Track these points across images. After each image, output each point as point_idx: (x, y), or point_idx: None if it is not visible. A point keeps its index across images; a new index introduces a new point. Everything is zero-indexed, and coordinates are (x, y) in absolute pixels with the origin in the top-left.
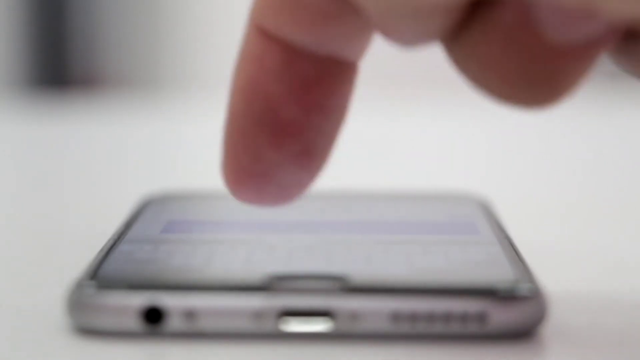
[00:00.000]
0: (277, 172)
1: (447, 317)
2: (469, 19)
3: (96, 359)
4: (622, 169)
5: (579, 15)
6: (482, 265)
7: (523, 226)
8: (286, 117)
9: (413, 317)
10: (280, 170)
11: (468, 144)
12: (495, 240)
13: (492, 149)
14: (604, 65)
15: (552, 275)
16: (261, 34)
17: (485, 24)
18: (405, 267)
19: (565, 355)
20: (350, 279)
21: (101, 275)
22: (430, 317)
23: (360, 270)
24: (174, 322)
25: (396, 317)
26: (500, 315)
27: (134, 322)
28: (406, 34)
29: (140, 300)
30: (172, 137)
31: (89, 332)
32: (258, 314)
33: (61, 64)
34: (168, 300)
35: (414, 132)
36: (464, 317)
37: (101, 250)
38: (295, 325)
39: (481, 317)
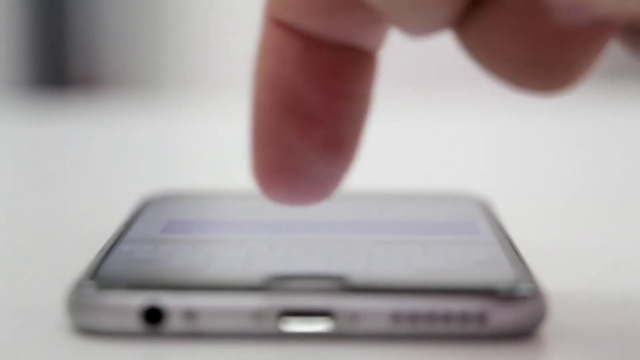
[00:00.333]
0: (307, 163)
1: (447, 317)
2: (477, 4)
3: (96, 359)
4: (622, 169)
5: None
6: (482, 265)
7: (523, 226)
8: (310, 104)
9: (413, 317)
10: (310, 161)
11: (468, 144)
12: (495, 240)
13: (492, 149)
14: (604, 64)
15: (552, 275)
16: (278, 26)
17: (494, 9)
18: (405, 267)
19: (565, 355)
20: (350, 279)
21: (101, 275)
22: (430, 317)
23: (360, 270)
24: (174, 322)
25: (396, 317)
26: (500, 315)
27: (134, 322)
28: (414, 24)
29: (140, 300)
30: (172, 137)
31: (89, 332)
32: (258, 314)
33: (61, 64)
34: (168, 300)
35: (414, 132)
36: (464, 317)
37: (101, 250)
38: (295, 325)
39: (481, 317)
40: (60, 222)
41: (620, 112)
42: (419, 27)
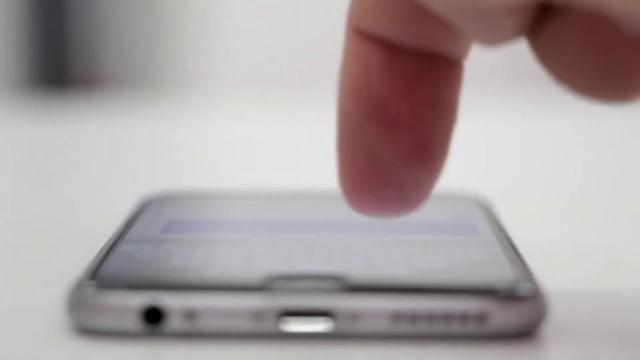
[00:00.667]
0: (394, 172)
1: (447, 317)
2: (546, 14)
3: (96, 359)
4: (622, 169)
5: None
6: (482, 265)
7: (523, 226)
8: (396, 110)
9: (413, 317)
10: (397, 170)
11: (468, 144)
12: (495, 240)
13: (492, 149)
14: None
15: (552, 275)
16: (361, 36)
17: (562, 19)
18: (405, 267)
19: (565, 355)
20: (350, 279)
21: (101, 275)
22: (430, 317)
23: (360, 270)
24: (174, 322)
25: (396, 317)
26: (501, 315)
27: (134, 322)
28: (483, 34)
29: (140, 300)
30: (172, 137)
31: (89, 332)
32: (258, 314)
33: (61, 64)
34: (168, 300)
35: None
36: (464, 317)
37: (101, 250)
38: (295, 325)
39: (481, 317)
40: (60, 222)
41: (620, 112)
42: (489, 37)
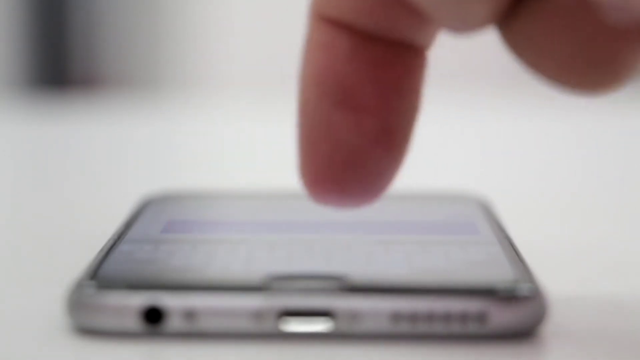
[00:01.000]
0: (359, 158)
1: (447, 317)
2: (521, 1)
3: (96, 359)
4: (622, 169)
5: None
6: (482, 265)
7: (523, 226)
8: (362, 95)
9: (413, 317)
10: (361, 156)
11: (468, 144)
12: (495, 240)
13: (492, 149)
14: None
15: (552, 275)
16: (326, 22)
17: (541, 6)
18: (405, 267)
19: (565, 355)
20: (350, 279)
21: (101, 275)
22: (430, 317)
23: (360, 270)
24: (174, 322)
25: (396, 317)
26: (500, 315)
27: (134, 322)
28: (456, 20)
29: (140, 300)
30: (172, 137)
31: (89, 332)
32: (258, 314)
33: (61, 64)
34: (168, 300)
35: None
36: (464, 317)
37: (101, 250)
38: (295, 325)
39: (481, 317)
40: (60, 222)
41: (620, 111)
42: (461, 24)
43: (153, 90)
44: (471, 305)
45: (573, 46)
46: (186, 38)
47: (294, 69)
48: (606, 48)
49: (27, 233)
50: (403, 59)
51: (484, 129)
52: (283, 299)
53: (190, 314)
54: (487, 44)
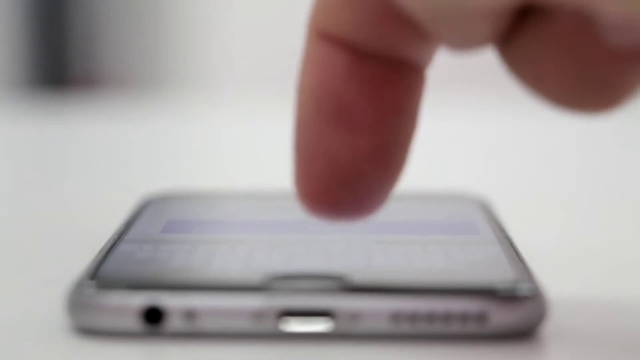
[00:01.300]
0: (353, 176)
1: (447, 317)
2: (522, 22)
3: (96, 359)
4: (623, 170)
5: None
6: (482, 265)
7: (523, 226)
8: (358, 112)
9: (413, 317)
10: (356, 173)
11: (468, 144)
12: (495, 240)
13: (492, 149)
14: None
15: (552, 275)
16: (324, 38)
17: (540, 27)
18: (405, 267)
19: (565, 355)
20: (350, 278)
21: (101, 275)
22: (430, 317)
23: (360, 270)
24: (174, 322)
25: (396, 317)
26: (501, 315)
27: (134, 322)
28: (456, 38)
29: (140, 300)
30: (172, 136)
31: (89, 332)
32: (258, 314)
33: (61, 64)
34: (168, 300)
35: None
36: (464, 317)
37: (101, 250)
38: (295, 325)
39: (481, 317)
40: (60, 222)
41: (621, 112)
42: (462, 42)
43: (153, 90)
44: (471, 305)
45: (573, 68)
46: (186, 38)
47: (294, 69)
48: (606, 70)
49: (27, 233)
50: (401, 78)
51: (484, 129)
52: (283, 299)
53: (190, 314)
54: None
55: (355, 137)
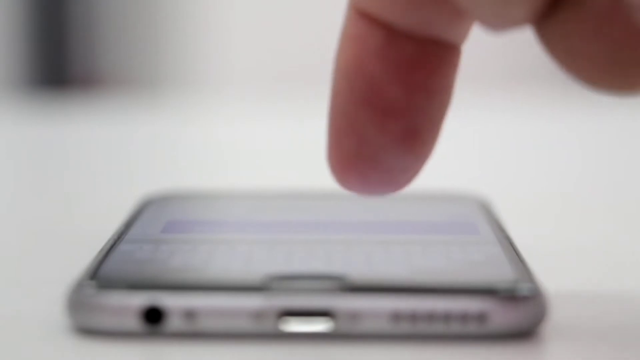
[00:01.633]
0: (382, 155)
1: (447, 317)
2: (558, 2)
3: (96, 359)
4: (623, 169)
5: None
6: (482, 265)
7: (523, 226)
8: (389, 96)
9: (413, 317)
10: (385, 153)
11: (468, 144)
12: (495, 240)
13: (492, 149)
14: None
15: (552, 275)
16: (361, 16)
17: (575, 8)
18: (405, 267)
19: (565, 355)
20: (350, 278)
21: (101, 275)
22: (430, 317)
23: (360, 270)
24: (174, 322)
25: (396, 317)
26: (501, 315)
27: (134, 322)
28: (494, 18)
29: (140, 300)
30: (172, 137)
31: (89, 332)
32: (258, 314)
33: (61, 64)
34: (168, 300)
35: None
36: (464, 317)
37: (101, 250)
38: (295, 325)
39: (481, 317)
40: (60, 222)
41: (620, 112)
42: (499, 21)
43: (153, 90)
44: (471, 305)
45: (606, 48)
46: (186, 38)
47: (294, 69)
48: (636, 51)
49: (27, 233)
50: (434, 58)
51: (484, 128)
52: (283, 299)
53: (190, 314)
54: (487, 44)
55: (385, 119)
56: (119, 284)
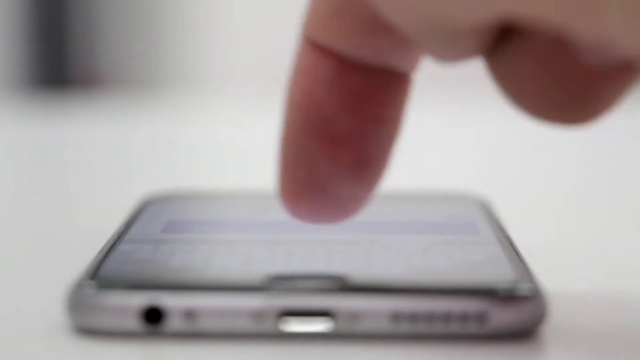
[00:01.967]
0: (333, 185)
1: (447, 317)
2: (505, 37)
3: (96, 359)
4: (623, 169)
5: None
6: (482, 265)
7: (523, 226)
8: (339, 126)
9: (413, 317)
10: (336, 183)
11: (468, 144)
12: (495, 240)
13: (492, 149)
14: None
15: (552, 275)
16: (313, 47)
17: (521, 43)
18: (405, 267)
19: (565, 355)
20: (350, 278)
21: (101, 275)
22: (430, 317)
23: (360, 270)
24: (174, 322)
25: (396, 317)
26: (501, 315)
27: (134, 322)
28: (442, 51)
29: (140, 300)
30: (172, 137)
31: (89, 332)
32: (258, 314)
33: (61, 64)
34: (168, 300)
35: (414, 131)
36: (464, 317)
37: (101, 250)
38: (295, 325)
39: (481, 317)
40: (60, 222)
41: (620, 111)
42: (448, 54)
43: (153, 90)
44: (471, 305)
45: (550, 82)
46: (186, 37)
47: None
48: (583, 86)
49: (27, 233)
50: (386, 87)
51: (484, 128)
52: (283, 299)
53: (190, 314)
54: None
55: (335, 149)
56: (119, 284)
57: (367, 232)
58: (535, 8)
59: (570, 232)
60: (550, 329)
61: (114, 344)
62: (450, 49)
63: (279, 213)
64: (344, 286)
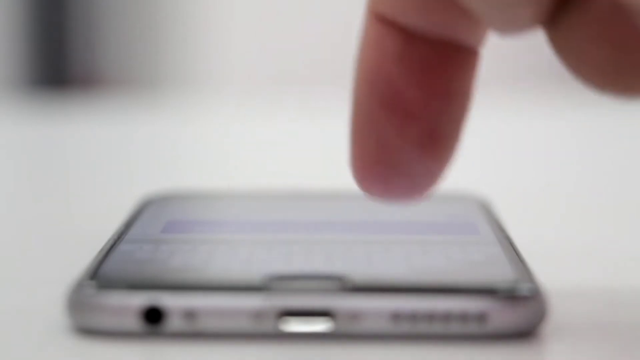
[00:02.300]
0: (403, 159)
1: (447, 317)
2: (565, 5)
3: (96, 359)
4: (622, 168)
5: None
6: (482, 265)
7: (523, 226)
8: (409, 99)
9: (413, 317)
10: (406, 157)
11: (468, 144)
12: (495, 240)
13: (491, 149)
14: None
15: (552, 275)
16: (380, 21)
17: (579, 13)
18: (405, 267)
19: (566, 355)
20: (350, 278)
21: (101, 275)
22: (430, 317)
23: (360, 270)
24: (174, 322)
25: (396, 317)
26: (501, 315)
27: (134, 322)
28: (502, 22)
29: (140, 300)
30: (172, 137)
31: (89, 332)
32: (258, 314)
33: (61, 64)
34: (168, 300)
35: None
36: (464, 317)
37: (101, 250)
38: (295, 325)
39: (481, 317)
40: (60, 222)
41: (621, 111)
42: (507, 25)
43: (153, 89)
44: (471, 305)
45: (609, 52)
46: (186, 38)
47: (294, 69)
48: (637, 55)
49: (27, 233)
50: (453, 60)
51: (484, 128)
52: (283, 299)
53: (190, 314)
54: (487, 44)
55: (404, 123)
56: (119, 284)
57: (367, 232)
58: None
59: (570, 232)
60: (550, 329)
61: (114, 344)
62: (509, 19)
63: (279, 213)
64: (344, 286)
